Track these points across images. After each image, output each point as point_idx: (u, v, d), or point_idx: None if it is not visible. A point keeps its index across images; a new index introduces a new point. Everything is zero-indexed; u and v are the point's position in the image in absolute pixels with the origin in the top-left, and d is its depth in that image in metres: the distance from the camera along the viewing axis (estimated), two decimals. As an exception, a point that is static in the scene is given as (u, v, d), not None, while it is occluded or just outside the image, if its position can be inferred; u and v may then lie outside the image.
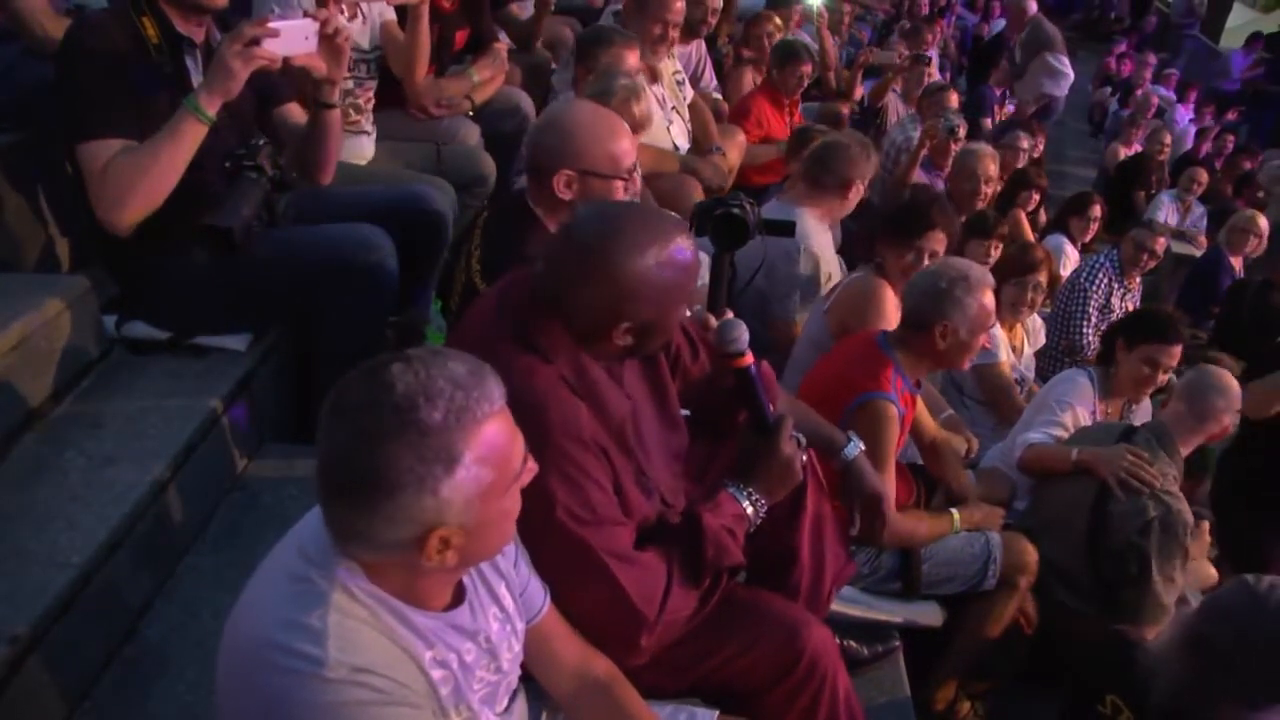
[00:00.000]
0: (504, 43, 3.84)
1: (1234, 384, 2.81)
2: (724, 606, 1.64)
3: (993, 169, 4.45)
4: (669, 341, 1.68)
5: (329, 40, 2.20)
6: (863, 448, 1.96)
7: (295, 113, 2.48)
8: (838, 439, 1.95)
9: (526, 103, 3.68)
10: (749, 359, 1.64)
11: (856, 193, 3.32)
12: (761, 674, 1.63)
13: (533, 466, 1.14)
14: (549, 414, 1.42)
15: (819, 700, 1.65)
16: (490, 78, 3.54)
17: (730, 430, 1.77)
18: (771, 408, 1.67)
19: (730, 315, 1.74)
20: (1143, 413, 3.36)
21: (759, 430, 1.64)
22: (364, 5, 2.94)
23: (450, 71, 3.53)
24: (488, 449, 1.05)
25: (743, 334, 1.64)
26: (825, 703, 1.66)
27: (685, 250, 1.49)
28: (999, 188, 4.79)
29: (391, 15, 3.09)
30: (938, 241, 2.93)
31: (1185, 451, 2.77)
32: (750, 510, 1.59)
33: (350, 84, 2.89)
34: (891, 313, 2.87)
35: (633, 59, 3.24)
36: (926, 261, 2.88)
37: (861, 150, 3.31)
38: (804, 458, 1.68)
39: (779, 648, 1.63)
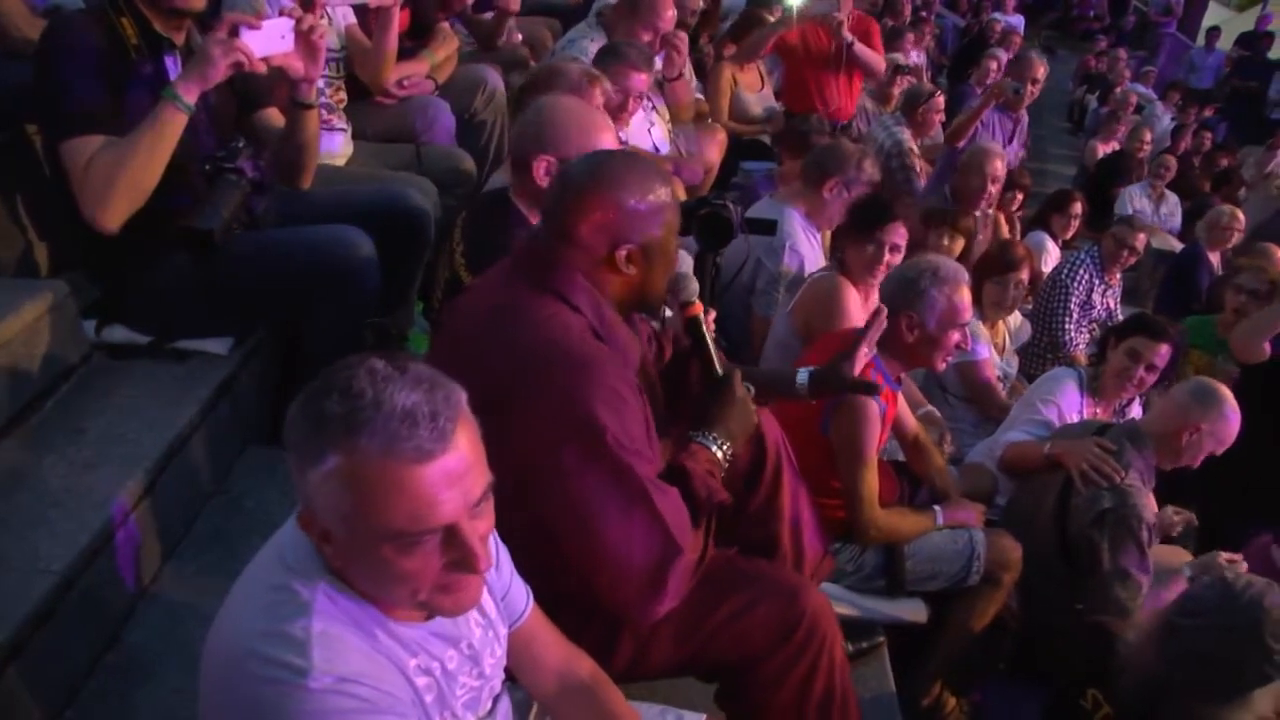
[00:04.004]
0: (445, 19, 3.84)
1: (1222, 400, 2.65)
2: (726, 567, 1.67)
3: (1000, 169, 4.45)
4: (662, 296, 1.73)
5: (305, 38, 2.19)
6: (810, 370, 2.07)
7: (275, 117, 2.47)
8: (789, 375, 2.08)
9: (493, 76, 3.68)
10: (699, 308, 1.76)
11: (831, 191, 3.33)
12: (762, 637, 1.64)
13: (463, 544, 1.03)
14: (589, 349, 1.48)
15: (817, 668, 1.66)
16: (447, 56, 3.55)
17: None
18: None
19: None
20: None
21: (710, 378, 1.74)
22: (329, 5, 2.91)
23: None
24: (358, 478, 0.97)
25: (693, 284, 1.79)
26: (823, 671, 1.66)
27: (664, 176, 1.61)
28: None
29: (353, 19, 3.07)
30: (898, 234, 2.94)
31: (1167, 462, 2.70)
32: (719, 454, 1.64)
33: (321, 83, 2.86)
34: (854, 310, 2.88)
35: (640, 81, 3.21)
36: (888, 255, 2.91)
37: (853, 154, 3.32)
38: (759, 416, 1.77)
39: (780, 607, 1.65)
